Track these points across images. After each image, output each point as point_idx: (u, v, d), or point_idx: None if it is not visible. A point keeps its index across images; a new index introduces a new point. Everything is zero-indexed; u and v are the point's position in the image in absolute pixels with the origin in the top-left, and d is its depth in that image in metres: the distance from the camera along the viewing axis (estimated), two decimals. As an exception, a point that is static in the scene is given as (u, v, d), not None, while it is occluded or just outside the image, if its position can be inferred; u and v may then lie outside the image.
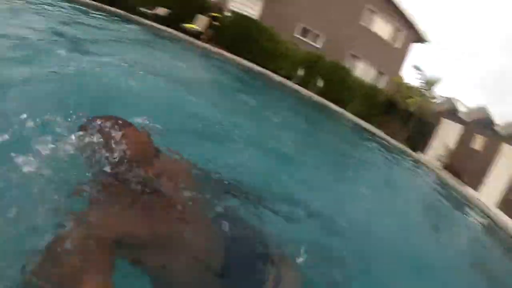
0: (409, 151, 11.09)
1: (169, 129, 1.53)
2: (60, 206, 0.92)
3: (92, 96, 2.09)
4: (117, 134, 1.00)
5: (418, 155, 11.64)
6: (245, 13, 13.19)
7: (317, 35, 16.92)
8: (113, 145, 0.97)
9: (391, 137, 11.56)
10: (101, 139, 0.98)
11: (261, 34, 12.28)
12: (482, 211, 7.45)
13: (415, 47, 20.46)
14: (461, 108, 14.31)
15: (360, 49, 17.66)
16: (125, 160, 0.97)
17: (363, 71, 17.65)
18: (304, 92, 10.65)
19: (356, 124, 10.51)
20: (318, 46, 16.46)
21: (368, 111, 13.02)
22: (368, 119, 12.08)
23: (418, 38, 19.93)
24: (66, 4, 6.66)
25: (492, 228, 6.67)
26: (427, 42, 20.49)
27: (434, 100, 15.30)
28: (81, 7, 7.50)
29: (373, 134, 10.25)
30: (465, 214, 6.46)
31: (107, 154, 0.96)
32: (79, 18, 6.40)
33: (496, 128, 12.18)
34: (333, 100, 11.27)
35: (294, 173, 3.00)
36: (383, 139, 10.21)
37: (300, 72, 11.50)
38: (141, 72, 3.48)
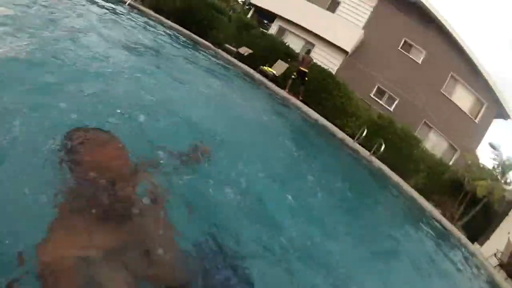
0: (465, 240, 10.43)
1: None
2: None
3: (173, 123, 2.46)
4: (91, 148, 1.05)
5: (474, 247, 10.88)
6: (323, 66, 13.67)
7: (393, 98, 16.91)
8: (86, 158, 1.02)
9: (448, 220, 11.00)
10: (79, 149, 1.03)
11: (335, 88, 12.56)
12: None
13: (496, 124, 19.22)
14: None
15: (436, 118, 17.19)
16: (97, 174, 1.01)
17: (434, 142, 17.12)
18: (364, 153, 10.48)
19: (411, 198, 10.14)
20: (390, 109, 16.53)
21: (430, 187, 12.44)
22: (427, 195, 11.59)
23: (502, 114, 18.86)
24: (162, 30, 8.15)
25: None
26: (510, 119, 18.99)
27: (507, 187, 14.04)
28: (177, 35, 8.94)
29: (427, 212, 9.89)
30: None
31: (77, 167, 1.01)
32: (169, 43, 7.56)
33: None
34: (394, 168, 10.99)
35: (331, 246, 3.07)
36: (438, 220, 9.73)
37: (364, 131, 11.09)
38: (211, 103, 3.96)
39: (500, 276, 9.45)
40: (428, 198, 11.52)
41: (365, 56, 16.73)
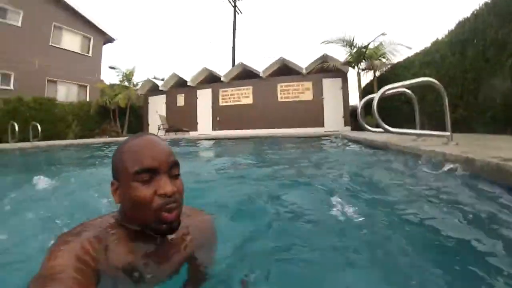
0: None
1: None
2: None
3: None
4: None
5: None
6: None
7: (8, 75, 16.17)
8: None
9: (117, 136, 14.39)
10: None
11: None
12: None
13: (106, 49, 23.08)
14: (159, 82, 18.50)
15: (56, 71, 18.38)
16: None
17: (65, 91, 19.15)
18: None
19: (86, 145, 11.05)
20: (10, 87, 15.95)
21: (86, 128, 15.14)
22: (89, 135, 14.33)
23: (107, 39, 22.77)
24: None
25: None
26: (115, 40, 23.53)
27: (137, 87, 18.72)
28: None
29: (101, 145, 11.00)
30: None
31: None
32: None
33: (189, 84, 17.06)
34: (50, 137, 12.51)
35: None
36: (114, 143, 11.40)
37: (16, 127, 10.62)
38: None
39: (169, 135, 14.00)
40: (91, 136, 14.30)
41: None
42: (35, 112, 13.56)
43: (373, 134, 6.19)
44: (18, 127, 10.49)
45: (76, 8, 19.63)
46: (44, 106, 14.34)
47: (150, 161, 0.88)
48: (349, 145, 7.16)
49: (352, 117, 14.01)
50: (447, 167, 2.40)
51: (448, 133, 3.62)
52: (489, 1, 6.99)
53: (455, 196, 1.82)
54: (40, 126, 10.14)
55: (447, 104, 3.75)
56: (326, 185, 2.38)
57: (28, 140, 10.37)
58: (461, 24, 8.11)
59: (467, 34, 7.65)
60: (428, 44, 9.70)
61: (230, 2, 25.90)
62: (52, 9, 18.21)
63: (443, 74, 8.34)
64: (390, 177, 2.63)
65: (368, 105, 5.51)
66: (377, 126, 3.72)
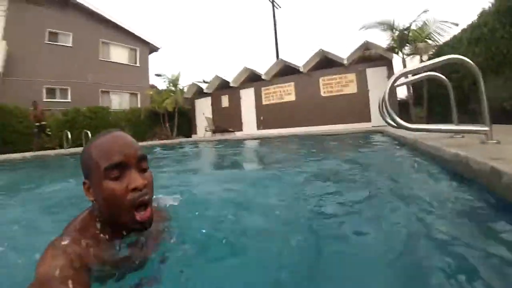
0: (186, 139, 15.06)
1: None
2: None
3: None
4: None
5: (194, 138, 15.93)
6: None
7: (65, 90, 18.51)
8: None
9: (167, 139, 15.27)
10: None
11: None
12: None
13: (152, 58, 24.87)
14: (204, 85, 19.23)
15: (108, 82, 20.48)
16: None
17: (118, 100, 20.89)
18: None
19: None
20: (68, 100, 18.18)
21: (138, 131, 16.25)
22: (141, 138, 15.37)
23: (152, 49, 24.50)
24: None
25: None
26: (160, 49, 25.08)
27: (184, 91, 19.61)
28: None
29: (151, 147, 12.03)
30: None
31: None
32: None
33: (232, 85, 17.49)
34: None
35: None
36: (164, 144, 12.85)
37: (68, 135, 12.33)
38: None
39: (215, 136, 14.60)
40: (146, 139, 15.30)
41: (19, 66, 16.43)
42: (90, 121, 15.01)
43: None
44: (75, 134, 12.37)
45: (119, 24, 21.59)
46: (99, 115, 15.74)
47: (118, 156, 0.91)
48: (386, 143, 6.75)
49: (401, 109, 13.45)
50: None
51: (486, 128, 2.82)
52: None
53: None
54: (95, 133, 11.09)
55: (483, 89, 3.00)
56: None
57: (81, 146, 11.46)
58: None
59: None
60: (475, 17, 8.69)
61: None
62: (98, 27, 20.44)
63: (495, 51, 7.38)
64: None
65: (417, 95, 4.96)
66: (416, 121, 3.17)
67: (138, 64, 22.88)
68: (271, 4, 25.19)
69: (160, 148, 10.95)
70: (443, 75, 4.60)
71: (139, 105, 20.70)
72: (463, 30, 9.60)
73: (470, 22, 9.05)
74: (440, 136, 3.96)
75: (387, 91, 3.13)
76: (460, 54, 9.49)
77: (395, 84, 3.38)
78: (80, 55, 19.01)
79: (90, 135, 11.17)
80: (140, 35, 22.90)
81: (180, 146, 11.70)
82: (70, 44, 18.96)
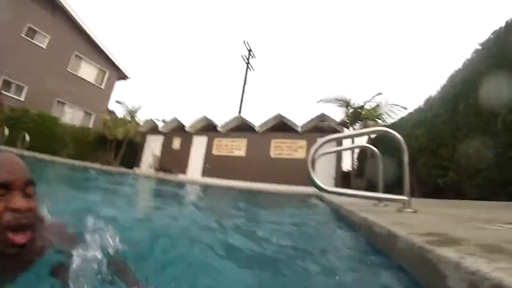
0: (127, 170, 14.73)
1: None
2: None
3: None
4: None
5: (134, 170, 15.60)
6: None
7: (21, 87, 17.77)
8: None
9: (108, 165, 14.88)
10: None
11: None
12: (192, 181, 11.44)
13: (118, 84, 24.94)
14: (160, 123, 19.31)
15: (68, 94, 20.13)
16: None
17: (72, 114, 20.46)
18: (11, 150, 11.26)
19: (73, 166, 12.33)
20: (21, 99, 17.42)
21: (82, 151, 15.74)
22: (83, 158, 14.87)
23: (121, 76, 24.72)
24: None
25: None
26: (128, 78, 25.37)
27: (140, 124, 19.53)
28: None
29: (89, 168, 12.26)
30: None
31: None
32: None
33: (187, 129, 17.72)
34: (44, 151, 13.24)
35: None
36: (101, 169, 12.54)
37: (5, 131, 12.02)
38: None
39: (158, 174, 14.42)
40: (85, 159, 14.80)
41: None
42: (36, 126, 14.42)
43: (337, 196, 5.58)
44: (13, 135, 11.74)
45: (98, 43, 21.76)
46: (47, 123, 15.34)
47: (5, 175, 0.90)
48: (318, 206, 7.00)
49: (344, 179, 14.25)
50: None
51: (405, 198, 3.03)
52: (479, 48, 6.61)
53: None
54: (37, 140, 11.03)
55: (406, 160, 3.21)
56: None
57: (15, 147, 11.16)
58: (452, 77, 7.82)
59: (458, 87, 7.19)
60: (421, 102, 9.49)
61: (243, 58, 27.86)
62: (76, 39, 20.44)
63: (435, 134, 8.01)
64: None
65: (361, 167, 5.39)
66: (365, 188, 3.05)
67: (103, 87, 22.92)
68: (245, 65, 26.91)
69: (96, 172, 10.72)
70: (387, 150, 5.05)
71: (90, 125, 20.26)
72: (410, 113, 10.53)
73: (417, 107, 9.93)
74: (368, 203, 4.22)
75: (311, 155, 3.25)
76: (404, 134, 10.36)
77: (323, 153, 3.87)
78: (50, 60, 18.73)
79: (28, 139, 10.79)
80: (114, 59, 23.20)
81: (117, 174, 11.49)
82: (44, 46, 18.70)
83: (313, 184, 3.03)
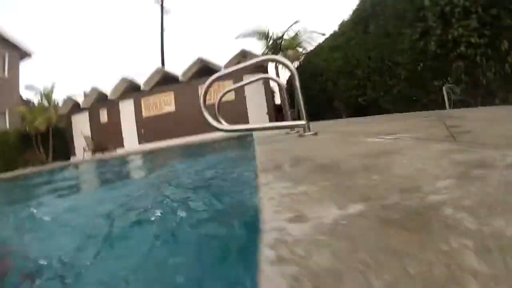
0: (63, 163, 14.18)
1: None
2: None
3: None
4: None
5: (74, 160, 15.11)
6: None
7: None
8: None
9: (42, 165, 14.22)
10: None
11: None
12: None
13: (23, 67, 21.55)
14: (80, 99, 18.05)
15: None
16: None
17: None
18: None
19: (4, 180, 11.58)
20: None
21: (7, 159, 14.80)
22: (10, 166, 14.00)
23: (23, 54, 21.07)
24: None
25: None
26: (33, 55, 21.79)
27: (59, 106, 18.00)
28: None
29: (20, 176, 11.53)
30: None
31: None
32: None
33: (110, 97, 16.88)
34: None
35: None
36: (31, 175, 11.48)
37: None
38: None
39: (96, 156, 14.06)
40: (16, 168, 14.00)
41: None
42: None
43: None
44: None
45: None
46: None
47: None
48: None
49: (278, 112, 14.62)
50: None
51: (303, 122, 3.16)
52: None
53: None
54: None
55: (298, 89, 3.26)
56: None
57: None
58: (363, 1, 8.29)
59: (369, 9, 7.75)
60: (336, 27, 9.94)
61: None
62: None
63: (350, 56, 8.73)
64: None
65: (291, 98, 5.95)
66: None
67: (6, 75, 19.62)
68: (159, 10, 24.60)
69: (30, 179, 10.16)
70: (309, 79, 5.61)
71: (7, 126, 18.04)
72: (326, 39, 11.01)
73: (332, 32, 10.41)
74: (283, 131, 4.56)
75: (203, 94, 3.14)
76: (322, 59, 10.71)
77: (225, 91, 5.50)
78: None
79: None
80: (8, 37, 19.47)
81: (53, 172, 10.95)
82: None
83: (210, 125, 3.04)
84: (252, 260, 0.56)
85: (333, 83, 9.98)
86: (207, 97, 11.13)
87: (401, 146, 1.48)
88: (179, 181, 4.30)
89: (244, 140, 8.82)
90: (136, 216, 2.48)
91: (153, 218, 2.30)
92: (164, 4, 25.74)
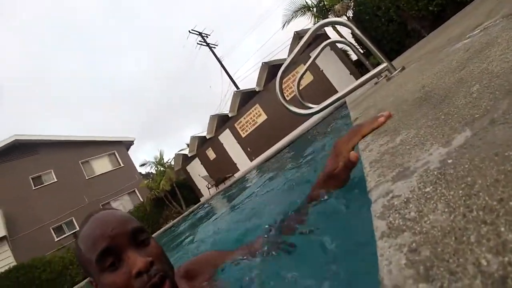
0: (196, 205, 15.62)
1: None
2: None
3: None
4: None
5: (202, 200, 16.58)
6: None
7: (70, 221, 19.19)
8: None
9: (180, 214, 15.88)
10: None
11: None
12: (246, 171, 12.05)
13: (132, 152, 25.61)
14: (185, 151, 19.97)
15: (104, 194, 21.07)
16: None
17: (118, 205, 21.61)
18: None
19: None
20: (78, 228, 18.26)
21: (150, 223, 16.78)
22: (159, 226, 15.92)
23: (128, 144, 25.76)
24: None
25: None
26: (134, 141, 26.12)
27: (172, 166, 20.29)
28: None
29: (171, 226, 12.85)
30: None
31: None
32: None
33: (208, 137, 18.29)
34: None
35: None
36: (171, 226, 12.94)
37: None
38: None
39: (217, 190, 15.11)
40: (160, 227, 15.81)
41: (20, 221, 17.16)
42: None
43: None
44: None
45: (90, 138, 22.90)
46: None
47: (102, 241, 0.78)
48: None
49: (359, 68, 13.98)
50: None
51: (385, 64, 2.71)
52: None
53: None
54: None
55: (362, 36, 2.83)
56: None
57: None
58: None
59: None
60: None
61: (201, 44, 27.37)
62: (71, 152, 21.44)
63: None
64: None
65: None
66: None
67: (122, 164, 23.75)
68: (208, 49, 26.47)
69: (173, 227, 11.46)
70: (372, 19, 7.16)
71: (140, 199, 21.35)
72: None
73: None
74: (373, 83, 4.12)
75: (278, 92, 2.99)
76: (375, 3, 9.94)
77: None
78: (67, 184, 19.92)
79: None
80: (111, 138, 23.91)
81: (194, 212, 12.18)
82: (54, 179, 19.98)
83: (299, 115, 2.99)
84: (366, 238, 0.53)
85: (395, 6, 9.34)
86: (289, 91, 11.31)
87: (495, 34, 1.21)
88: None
89: (340, 111, 8.71)
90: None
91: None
92: (208, 40, 27.26)
